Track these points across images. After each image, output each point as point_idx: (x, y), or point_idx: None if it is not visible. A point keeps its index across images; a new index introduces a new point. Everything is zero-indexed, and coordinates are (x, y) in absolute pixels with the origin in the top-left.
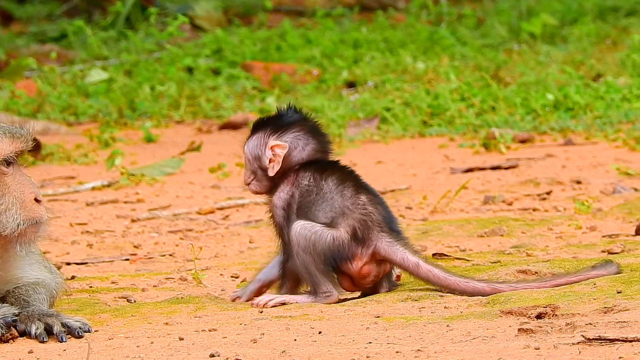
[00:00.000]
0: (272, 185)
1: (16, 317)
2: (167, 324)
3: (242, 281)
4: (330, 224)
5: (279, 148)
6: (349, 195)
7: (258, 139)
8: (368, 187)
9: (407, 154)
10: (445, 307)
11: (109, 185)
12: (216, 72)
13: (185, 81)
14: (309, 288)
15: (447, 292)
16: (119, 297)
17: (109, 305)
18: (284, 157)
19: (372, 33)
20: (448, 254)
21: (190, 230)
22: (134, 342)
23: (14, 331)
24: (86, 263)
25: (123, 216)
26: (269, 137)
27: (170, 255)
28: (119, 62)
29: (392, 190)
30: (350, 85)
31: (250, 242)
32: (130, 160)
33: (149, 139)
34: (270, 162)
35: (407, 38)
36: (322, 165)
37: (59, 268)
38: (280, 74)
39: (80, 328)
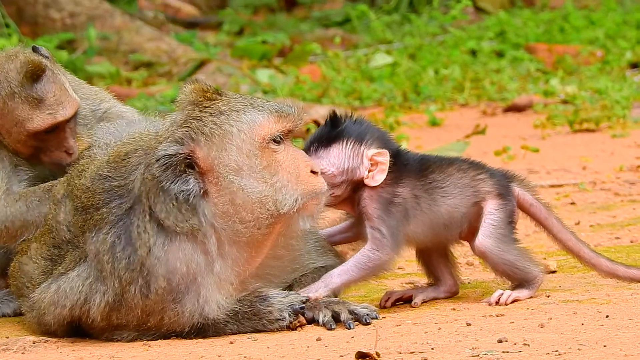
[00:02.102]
0: (351, 196)
1: (304, 305)
2: (454, 309)
3: None
4: (477, 202)
5: (380, 156)
6: (465, 167)
7: (344, 151)
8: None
9: None
10: None
11: None
12: (500, 55)
13: (468, 64)
14: (523, 283)
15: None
16: (406, 283)
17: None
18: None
19: None
20: None
21: None
22: (421, 328)
23: (301, 318)
24: None
25: None
26: (359, 147)
27: None
28: (403, 45)
29: None
30: (634, 66)
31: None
32: (415, 143)
33: (434, 123)
34: (369, 171)
35: None
36: (415, 160)
37: None
38: (564, 56)
39: (367, 315)
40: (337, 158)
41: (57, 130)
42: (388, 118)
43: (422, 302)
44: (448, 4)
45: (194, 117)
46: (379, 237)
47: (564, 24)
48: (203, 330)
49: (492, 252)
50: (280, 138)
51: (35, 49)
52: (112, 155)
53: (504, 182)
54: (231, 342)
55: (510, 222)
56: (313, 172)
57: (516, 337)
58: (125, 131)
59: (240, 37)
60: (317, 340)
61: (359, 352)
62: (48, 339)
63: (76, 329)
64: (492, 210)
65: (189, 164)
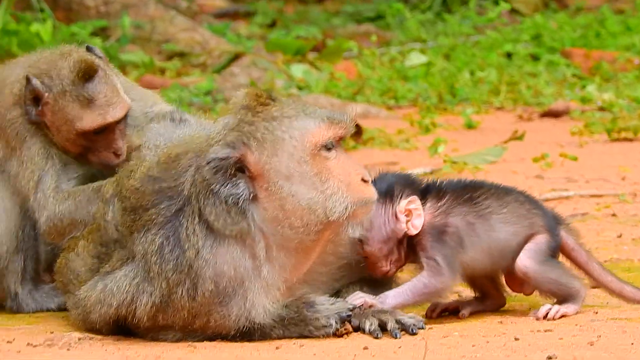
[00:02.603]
0: (409, 250)
1: (351, 313)
2: (501, 322)
3: None
4: (530, 235)
5: (412, 204)
6: (522, 199)
7: (377, 220)
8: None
9: None
10: None
11: (431, 173)
12: (535, 58)
13: (504, 67)
14: (568, 298)
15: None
16: (451, 294)
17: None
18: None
19: None
20: None
21: None
22: (469, 341)
23: (348, 326)
24: None
25: None
26: (390, 206)
27: None
28: (437, 45)
29: None
30: None
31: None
32: (451, 147)
33: (470, 126)
34: (407, 222)
35: None
36: (459, 187)
37: None
38: (600, 62)
39: (414, 325)
40: (376, 230)
41: (106, 131)
42: (424, 119)
43: (469, 314)
44: (483, 4)
45: (246, 121)
46: (435, 265)
47: (600, 29)
48: (249, 334)
49: (534, 271)
50: (332, 145)
51: (89, 49)
52: (162, 157)
53: (553, 223)
54: (277, 347)
55: (552, 255)
56: (364, 180)
57: (566, 354)
58: (175, 133)
59: (272, 29)
60: (363, 349)
61: None
62: (93, 335)
63: (121, 328)
64: (538, 240)
65: (240, 168)
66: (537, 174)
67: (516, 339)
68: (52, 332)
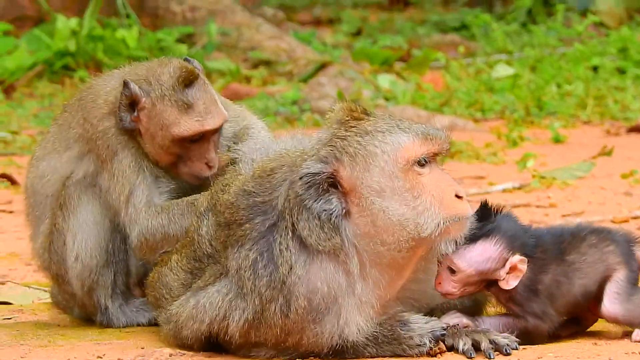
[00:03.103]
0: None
1: (445, 332)
2: (595, 344)
3: None
4: (607, 275)
5: (522, 263)
6: (594, 241)
7: (487, 253)
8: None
9: None
10: None
11: (520, 188)
12: (622, 72)
13: (590, 80)
14: None
15: None
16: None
17: None
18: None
19: None
20: None
21: None
22: None
23: (441, 345)
24: None
25: (536, 221)
26: (505, 252)
27: None
28: (523, 56)
29: None
30: None
31: None
32: (540, 161)
33: (557, 140)
34: (507, 274)
35: None
36: (547, 240)
37: None
38: None
39: (507, 345)
40: (480, 257)
41: (201, 140)
42: (512, 132)
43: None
44: (568, 15)
45: (339, 136)
46: (534, 314)
47: None
48: (342, 352)
49: (623, 314)
50: (426, 161)
51: (187, 60)
52: (257, 171)
53: (627, 248)
54: None
55: (634, 284)
56: (458, 196)
57: None
58: (271, 147)
59: (357, 37)
60: None
61: None
62: (184, 352)
63: (213, 345)
64: (617, 279)
65: (332, 184)
66: (625, 191)
67: None
68: (142, 348)
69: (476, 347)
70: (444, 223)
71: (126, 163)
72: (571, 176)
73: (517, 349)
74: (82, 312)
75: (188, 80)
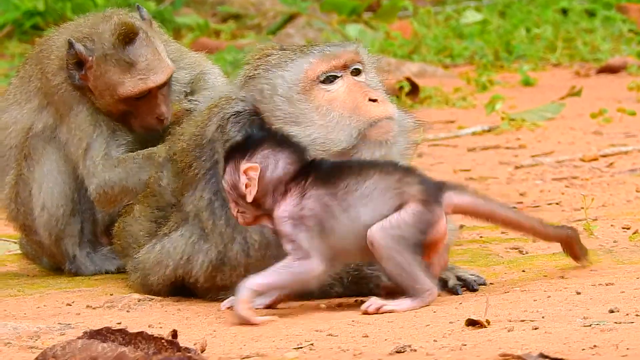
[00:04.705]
0: (258, 211)
1: None
2: (562, 277)
3: (634, 233)
4: (397, 207)
5: (251, 171)
6: (392, 169)
7: (230, 166)
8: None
9: None
10: None
11: (489, 130)
12: (591, 14)
13: (560, 23)
14: (408, 291)
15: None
16: (510, 248)
17: (501, 257)
18: (259, 178)
19: None
20: None
21: (575, 177)
22: (530, 296)
23: None
24: None
25: (506, 162)
26: (239, 162)
27: (557, 203)
28: (492, 2)
29: None
30: None
31: (637, 191)
32: (509, 104)
33: (527, 83)
34: (246, 187)
35: None
36: (328, 167)
37: None
38: None
39: (474, 281)
40: (226, 173)
41: (148, 96)
42: (481, 77)
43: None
44: None
45: (250, 75)
46: (299, 248)
47: None
48: (309, 292)
49: (384, 245)
50: (334, 77)
51: (138, 8)
52: (203, 114)
53: (433, 191)
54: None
55: (420, 230)
56: (372, 99)
57: (628, 307)
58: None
59: None
60: (425, 305)
61: (469, 319)
62: (153, 297)
63: (180, 290)
64: (404, 210)
65: (257, 121)
66: (595, 130)
67: (578, 293)
68: (111, 294)
69: (443, 284)
70: (357, 130)
71: (82, 117)
72: (540, 117)
73: (484, 284)
74: (50, 261)
75: (128, 38)
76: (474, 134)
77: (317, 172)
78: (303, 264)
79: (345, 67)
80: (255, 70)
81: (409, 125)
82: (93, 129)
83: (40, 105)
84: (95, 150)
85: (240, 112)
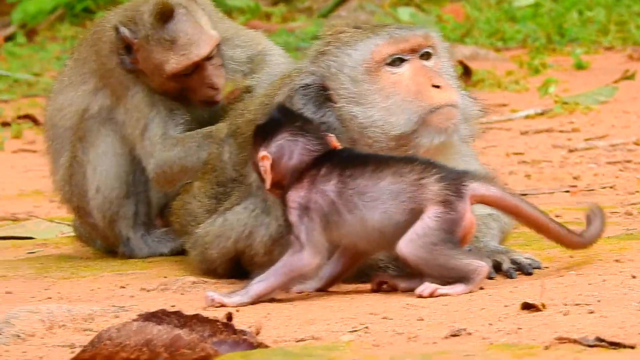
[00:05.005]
0: (279, 192)
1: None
2: (617, 260)
3: None
4: (415, 209)
5: (265, 160)
6: (408, 170)
7: (254, 150)
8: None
9: None
10: None
11: (542, 114)
12: None
13: (612, 6)
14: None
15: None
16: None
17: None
18: (272, 167)
19: None
20: None
21: (628, 161)
22: (585, 280)
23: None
24: (526, 194)
25: (559, 146)
26: (259, 148)
27: (611, 187)
28: None
29: None
30: None
31: None
32: (562, 87)
33: (579, 66)
34: (264, 172)
35: None
36: (343, 161)
37: None
38: None
39: (529, 265)
40: (253, 156)
41: (198, 69)
42: (533, 60)
43: None
44: None
45: (320, 51)
46: (296, 242)
47: None
48: (364, 272)
49: (416, 258)
50: (401, 60)
51: None
52: (271, 89)
53: (452, 187)
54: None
55: (447, 230)
56: (435, 85)
57: None
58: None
59: None
60: (479, 289)
61: (524, 302)
62: (207, 279)
63: (235, 271)
64: (425, 216)
65: (327, 97)
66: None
67: (633, 277)
68: (165, 277)
69: (497, 267)
70: (418, 115)
71: (139, 98)
72: (594, 101)
73: (539, 267)
74: (104, 243)
75: (165, 16)
76: (527, 117)
77: (332, 163)
78: (296, 260)
79: (413, 50)
80: (326, 46)
81: (473, 113)
82: (150, 109)
83: (95, 87)
84: (153, 130)
85: (309, 85)
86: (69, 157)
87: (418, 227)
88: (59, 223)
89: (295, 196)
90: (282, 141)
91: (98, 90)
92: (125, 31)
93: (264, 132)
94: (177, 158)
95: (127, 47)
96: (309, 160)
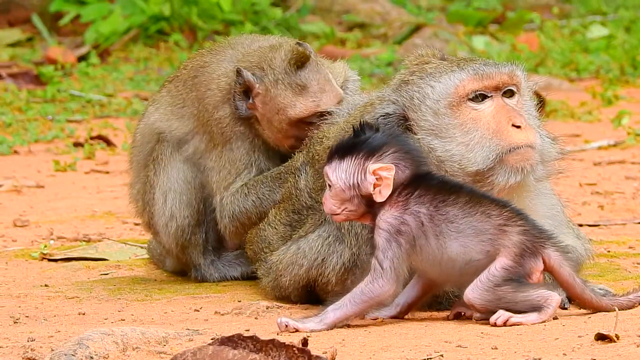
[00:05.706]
0: (367, 209)
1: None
2: None
3: None
4: (490, 252)
5: (385, 171)
6: (497, 213)
7: (351, 165)
8: (494, 196)
9: None
10: None
11: (615, 145)
12: None
13: None
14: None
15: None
16: (639, 263)
17: (629, 272)
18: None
19: None
20: None
21: None
22: None
23: None
24: (599, 225)
25: (632, 177)
26: (366, 161)
27: None
28: (618, 17)
29: None
30: None
31: None
32: (635, 119)
33: None
34: (375, 187)
35: None
36: (438, 186)
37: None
38: None
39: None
40: (344, 172)
41: (309, 119)
42: (606, 91)
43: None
44: None
45: (404, 80)
46: (378, 268)
47: None
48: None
49: (481, 302)
50: (484, 96)
51: (299, 44)
52: (353, 116)
53: (530, 244)
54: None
55: (512, 279)
56: (515, 125)
57: None
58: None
59: (451, 0)
60: (553, 319)
61: (598, 333)
62: (281, 304)
63: (310, 296)
64: (495, 265)
65: (407, 127)
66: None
67: None
68: (239, 301)
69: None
70: (495, 154)
71: (238, 154)
72: None
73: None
74: (174, 262)
75: (300, 62)
76: (599, 148)
77: (426, 186)
78: (375, 288)
79: (497, 88)
80: (411, 75)
81: (551, 155)
82: (244, 168)
83: (194, 131)
84: (236, 185)
85: (390, 115)
86: (144, 174)
87: (483, 276)
88: (133, 245)
89: (388, 216)
90: (397, 154)
91: (195, 134)
92: (248, 75)
93: (364, 147)
94: (254, 207)
95: (246, 92)
96: (408, 178)
